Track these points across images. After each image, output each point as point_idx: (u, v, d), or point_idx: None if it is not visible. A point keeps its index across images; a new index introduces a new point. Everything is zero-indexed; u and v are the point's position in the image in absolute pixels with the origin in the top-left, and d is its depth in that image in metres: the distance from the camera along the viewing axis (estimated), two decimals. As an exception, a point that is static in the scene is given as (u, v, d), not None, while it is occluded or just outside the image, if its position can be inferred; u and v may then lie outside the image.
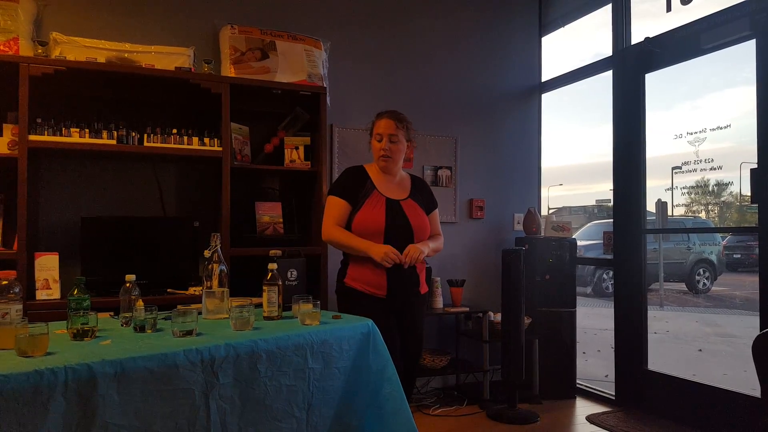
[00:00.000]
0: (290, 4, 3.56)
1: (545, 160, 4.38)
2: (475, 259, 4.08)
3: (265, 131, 3.31)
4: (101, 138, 2.72)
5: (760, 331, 2.23)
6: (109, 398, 1.33)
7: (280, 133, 3.28)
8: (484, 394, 3.68)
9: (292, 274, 2.27)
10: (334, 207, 2.45)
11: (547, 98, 4.36)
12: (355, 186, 2.46)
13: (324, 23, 3.61)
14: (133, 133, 2.80)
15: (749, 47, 2.94)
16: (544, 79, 4.35)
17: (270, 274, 1.98)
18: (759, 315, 2.82)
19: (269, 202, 3.27)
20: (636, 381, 3.52)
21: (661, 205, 6.06)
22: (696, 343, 6.32)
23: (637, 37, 3.60)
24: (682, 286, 9.53)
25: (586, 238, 8.79)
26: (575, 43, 4.41)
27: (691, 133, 3.65)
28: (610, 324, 3.77)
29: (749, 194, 2.92)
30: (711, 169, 3.62)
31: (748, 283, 9.53)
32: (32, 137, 2.59)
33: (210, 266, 1.96)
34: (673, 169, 4.07)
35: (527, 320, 3.71)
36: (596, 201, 13.48)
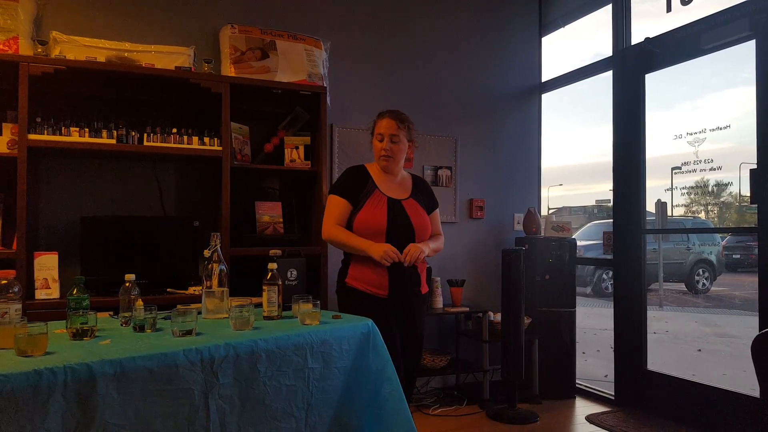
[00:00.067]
0: (290, 4, 3.56)
1: (545, 160, 4.39)
2: (475, 259, 4.08)
3: (265, 131, 3.30)
4: (101, 137, 2.72)
5: (760, 331, 2.23)
6: (108, 398, 1.32)
7: (280, 132, 3.28)
8: (484, 394, 3.68)
9: (292, 273, 2.27)
10: (335, 206, 2.45)
11: (547, 98, 4.36)
12: (356, 186, 2.46)
13: (324, 23, 3.61)
14: (133, 133, 2.80)
15: (749, 47, 2.94)
16: (544, 79, 4.35)
17: (270, 274, 1.98)
18: (758, 315, 2.83)
19: (269, 201, 3.26)
20: (635, 381, 3.53)
21: (661, 206, 6.06)
22: (695, 344, 6.33)
23: (637, 37, 3.60)
24: (682, 287, 9.54)
25: (586, 238, 8.79)
26: (575, 43, 4.42)
27: (691, 134, 3.65)
28: (610, 324, 3.77)
29: (749, 194, 2.92)
30: (711, 169, 3.62)
31: (748, 284, 9.53)
32: (32, 136, 2.58)
33: (210, 266, 1.96)
34: (673, 169, 4.07)
35: (527, 320, 3.71)
36: (596, 201, 13.49)
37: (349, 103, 3.66)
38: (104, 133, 2.73)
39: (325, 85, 3.29)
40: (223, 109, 2.91)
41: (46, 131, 2.63)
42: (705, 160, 3.61)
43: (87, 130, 2.70)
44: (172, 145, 2.85)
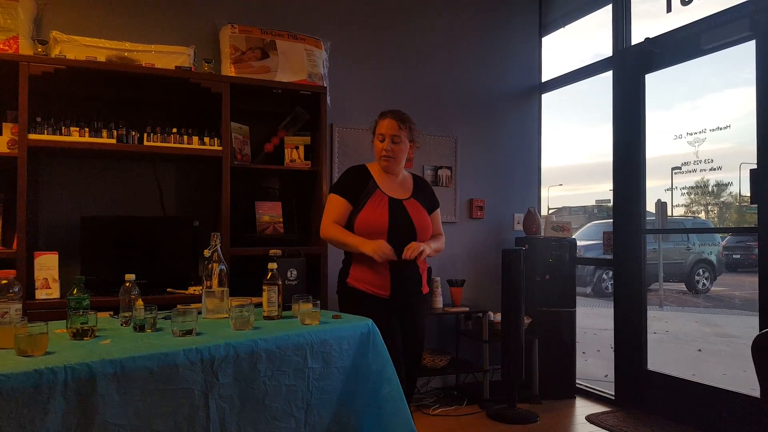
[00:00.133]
0: (291, 4, 3.56)
1: (545, 160, 4.38)
2: (475, 259, 4.08)
3: (265, 131, 3.30)
4: (101, 137, 2.72)
5: (760, 331, 2.23)
6: (108, 398, 1.32)
7: (280, 132, 3.28)
8: (484, 394, 3.68)
9: (292, 273, 2.27)
10: (334, 205, 2.45)
11: (547, 98, 4.36)
12: (356, 185, 2.46)
13: (324, 23, 3.61)
14: (133, 133, 2.80)
15: (749, 48, 2.94)
16: (544, 79, 4.35)
17: (270, 274, 1.98)
18: (758, 315, 2.83)
19: (269, 201, 3.26)
20: (636, 381, 3.53)
21: (661, 206, 6.06)
22: (695, 343, 6.33)
23: (637, 37, 3.60)
24: (682, 287, 9.53)
25: (586, 238, 8.79)
26: (575, 43, 4.42)
27: (691, 134, 3.65)
28: (610, 324, 3.77)
29: (749, 195, 2.92)
30: (711, 169, 3.62)
31: (748, 284, 9.53)
32: (32, 136, 2.58)
33: (210, 266, 1.96)
34: (673, 169, 4.07)
35: (527, 320, 3.71)
36: (596, 201, 13.47)
37: (349, 103, 3.66)
38: (104, 133, 2.73)
39: (325, 85, 3.29)
40: (223, 108, 2.91)
41: (46, 131, 2.63)
42: (705, 160, 3.61)
43: (87, 129, 2.70)
44: (172, 144, 2.85)
